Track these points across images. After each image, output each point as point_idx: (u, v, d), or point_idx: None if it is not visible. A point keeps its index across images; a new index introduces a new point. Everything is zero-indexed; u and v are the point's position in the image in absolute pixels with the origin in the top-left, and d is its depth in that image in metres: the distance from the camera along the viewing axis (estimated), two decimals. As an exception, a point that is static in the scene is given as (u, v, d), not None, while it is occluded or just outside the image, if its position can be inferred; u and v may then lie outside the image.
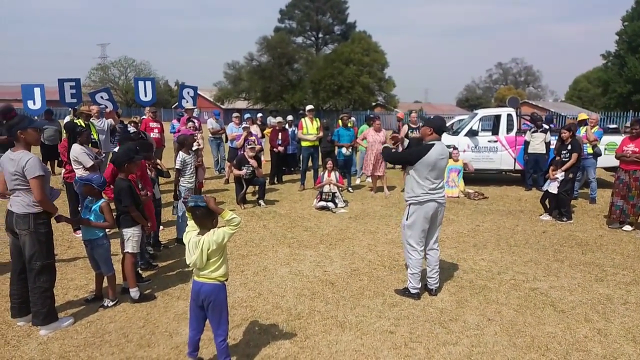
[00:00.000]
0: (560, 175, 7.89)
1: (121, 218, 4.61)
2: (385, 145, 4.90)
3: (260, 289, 5.00)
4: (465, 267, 5.71)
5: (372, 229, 7.44)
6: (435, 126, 4.67)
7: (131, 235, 4.63)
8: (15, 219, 3.87)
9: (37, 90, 9.83)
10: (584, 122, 9.95)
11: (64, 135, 7.14)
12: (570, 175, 7.94)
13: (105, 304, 4.48)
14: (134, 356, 3.67)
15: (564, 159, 8.02)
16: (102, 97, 9.58)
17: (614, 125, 16.06)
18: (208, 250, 3.23)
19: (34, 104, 9.75)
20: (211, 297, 3.30)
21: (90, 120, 8.40)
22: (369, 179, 10.86)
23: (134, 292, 4.63)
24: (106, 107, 9.06)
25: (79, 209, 6.38)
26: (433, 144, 4.56)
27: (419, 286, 4.76)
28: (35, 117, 8.68)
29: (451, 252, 6.24)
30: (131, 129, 8.80)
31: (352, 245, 6.59)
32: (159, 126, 10.60)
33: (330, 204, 8.77)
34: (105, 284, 4.61)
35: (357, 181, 11.87)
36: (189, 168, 6.54)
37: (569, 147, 8.00)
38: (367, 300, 4.71)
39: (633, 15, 37.61)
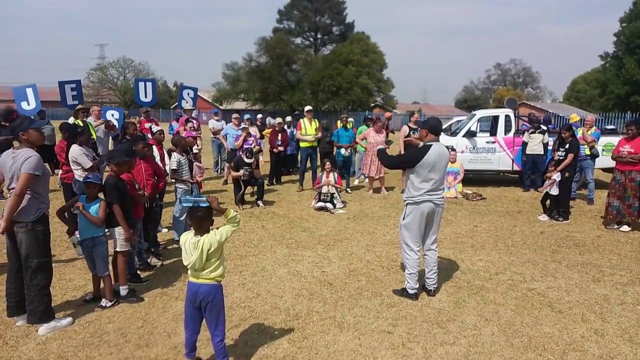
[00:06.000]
0: (556, 176, 7.92)
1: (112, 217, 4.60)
2: (380, 147, 4.91)
3: (259, 289, 5.01)
4: (463, 267, 5.73)
5: (370, 230, 7.45)
6: (430, 127, 4.70)
7: (120, 234, 4.63)
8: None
9: (29, 91, 9.73)
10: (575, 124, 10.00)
11: (60, 136, 7.15)
12: (567, 174, 7.97)
13: (104, 305, 4.49)
14: (132, 356, 3.67)
15: (559, 157, 8.06)
16: (112, 115, 9.83)
17: (612, 126, 16.09)
18: (209, 250, 3.24)
19: (28, 104, 9.68)
20: (209, 298, 3.31)
21: (89, 120, 8.41)
22: (367, 180, 10.88)
23: (124, 290, 4.65)
24: (110, 121, 9.31)
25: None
26: (431, 145, 4.59)
27: (417, 286, 4.77)
28: (32, 117, 8.67)
29: (449, 253, 6.26)
30: (156, 128, 8.96)
31: (350, 245, 6.61)
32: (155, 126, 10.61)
33: (329, 205, 8.79)
34: (101, 283, 4.62)
35: (356, 182, 11.88)
36: (184, 169, 6.55)
37: (567, 146, 8.04)
38: (365, 301, 4.72)
39: (631, 16, 37.75)
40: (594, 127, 9.79)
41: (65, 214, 4.69)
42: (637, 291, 5.03)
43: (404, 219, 4.75)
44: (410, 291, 4.76)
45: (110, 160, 4.75)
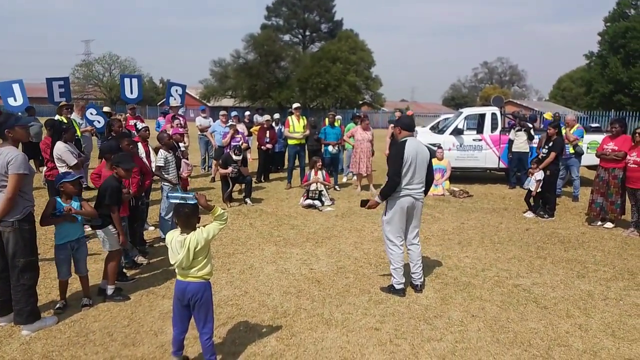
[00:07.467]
0: (539, 175, 8.01)
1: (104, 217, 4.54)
2: (363, 199, 5.01)
3: (247, 287, 5.00)
4: (450, 264, 5.77)
5: (358, 227, 7.47)
6: (402, 124, 4.88)
7: (107, 234, 4.57)
8: None
9: (15, 87, 9.59)
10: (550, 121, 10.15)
11: (45, 133, 7.05)
12: (548, 173, 8.06)
13: (86, 303, 4.43)
14: (118, 355, 3.64)
15: (543, 155, 8.16)
16: (91, 114, 9.73)
17: (596, 124, 16.33)
18: (195, 248, 3.22)
19: (15, 100, 9.53)
20: (198, 296, 3.29)
21: (72, 116, 8.31)
22: (355, 177, 10.90)
23: (110, 289, 4.60)
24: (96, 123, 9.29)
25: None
26: (406, 140, 4.70)
27: (403, 281, 4.81)
28: (19, 113, 8.53)
29: (436, 250, 6.30)
30: (140, 124, 8.87)
31: (339, 243, 6.62)
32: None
33: (317, 202, 8.79)
34: (65, 284, 4.50)
35: (344, 179, 11.90)
36: (171, 166, 6.50)
37: (551, 144, 8.13)
38: (353, 298, 4.74)
39: (614, 16, 38.29)
40: (577, 125, 9.91)
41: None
42: (620, 287, 5.11)
43: (385, 214, 4.82)
44: (397, 286, 4.79)
45: (119, 165, 4.65)
